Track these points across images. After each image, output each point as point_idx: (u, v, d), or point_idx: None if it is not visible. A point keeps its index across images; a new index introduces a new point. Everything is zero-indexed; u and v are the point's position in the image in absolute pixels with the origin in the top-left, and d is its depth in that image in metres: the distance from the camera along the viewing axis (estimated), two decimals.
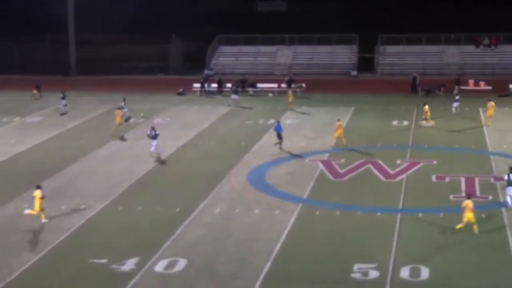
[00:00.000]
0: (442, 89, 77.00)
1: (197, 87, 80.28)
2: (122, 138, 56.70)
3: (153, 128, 52.16)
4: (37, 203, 38.21)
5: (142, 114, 66.05)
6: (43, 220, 38.22)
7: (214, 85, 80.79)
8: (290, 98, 69.76)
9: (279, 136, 53.04)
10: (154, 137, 51.51)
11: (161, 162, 50.24)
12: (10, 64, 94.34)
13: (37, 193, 38.45)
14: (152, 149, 51.44)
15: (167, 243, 35.48)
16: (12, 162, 50.89)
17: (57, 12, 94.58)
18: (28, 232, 37.22)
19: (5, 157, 52.19)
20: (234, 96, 71.96)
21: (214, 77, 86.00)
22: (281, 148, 52.64)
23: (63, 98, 69.25)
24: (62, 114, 68.26)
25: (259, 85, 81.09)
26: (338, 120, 55.56)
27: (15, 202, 41.95)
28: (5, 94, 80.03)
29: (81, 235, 37.04)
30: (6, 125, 63.89)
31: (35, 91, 76.91)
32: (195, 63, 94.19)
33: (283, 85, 78.72)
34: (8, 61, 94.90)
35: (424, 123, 60.02)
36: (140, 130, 60.77)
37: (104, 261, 33.28)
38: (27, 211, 38.64)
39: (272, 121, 62.87)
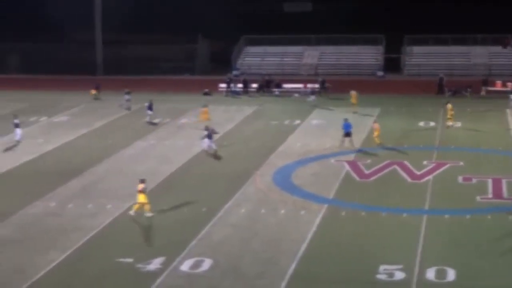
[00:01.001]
0: (468, 90, 76.55)
1: (223, 87, 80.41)
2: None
3: (207, 128, 52.81)
4: (142, 197, 39.08)
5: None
6: (148, 214, 39.08)
7: (240, 85, 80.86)
8: (354, 100, 68.30)
9: (348, 134, 53.39)
10: (209, 136, 52.04)
11: (214, 165, 50.16)
12: (36, 63, 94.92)
13: (141, 187, 39.25)
14: (205, 145, 52.44)
15: (193, 242, 35.56)
16: (40, 161, 51.20)
17: (84, 12, 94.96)
18: (55, 231, 37.44)
19: (33, 156, 52.52)
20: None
21: (239, 77, 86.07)
22: (351, 142, 53.75)
23: (127, 93, 70.63)
24: (127, 109, 69.45)
25: (285, 85, 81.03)
26: (375, 122, 55.55)
27: (42, 201, 42.22)
28: (32, 93, 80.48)
29: (107, 234, 37.22)
30: (33, 124, 64.28)
31: (94, 91, 77.14)
32: (221, 63, 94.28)
33: (316, 85, 78.58)
34: (35, 61, 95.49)
35: (450, 123, 59.65)
36: (165, 130, 61.00)
37: (129, 260, 33.41)
38: (133, 210, 39.53)
39: (298, 121, 62.97)
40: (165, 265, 32.88)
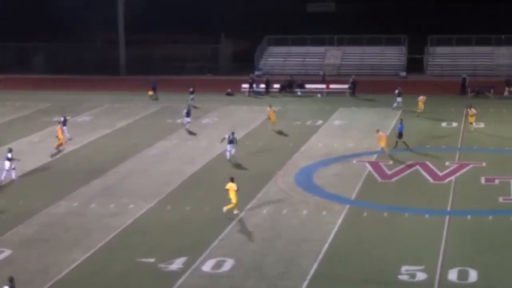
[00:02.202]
0: (492, 90, 76.22)
1: (245, 88, 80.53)
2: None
3: (232, 133, 50.96)
4: (232, 195, 39.13)
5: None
6: (235, 212, 39.33)
7: (262, 85, 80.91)
8: (422, 104, 66.68)
9: (400, 135, 53.16)
10: (232, 141, 50.41)
11: (236, 165, 49.87)
12: (60, 64, 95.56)
13: (231, 186, 39.25)
14: (228, 154, 50.58)
15: (215, 242, 35.67)
16: (63, 161, 51.52)
17: (108, 12, 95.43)
18: (78, 230, 37.68)
19: (56, 155, 52.86)
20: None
21: (262, 77, 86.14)
22: (406, 144, 53.30)
23: (191, 92, 71.71)
24: (194, 107, 69.42)
25: (308, 85, 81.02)
26: (378, 131, 53.79)
27: (66, 201, 42.51)
28: (56, 93, 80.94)
29: (130, 234, 37.40)
30: (57, 124, 64.53)
31: (151, 92, 77.33)
32: (244, 64, 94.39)
33: (346, 86, 78.65)
34: (59, 61, 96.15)
35: (472, 127, 59.05)
36: (187, 130, 61.14)
37: (152, 260, 33.57)
38: (225, 208, 39.43)
39: (320, 121, 62.98)
40: (187, 265, 33.02)
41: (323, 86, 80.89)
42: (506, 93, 76.32)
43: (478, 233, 36.73)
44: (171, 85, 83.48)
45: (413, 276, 31.63)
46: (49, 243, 36.07)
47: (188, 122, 60.22)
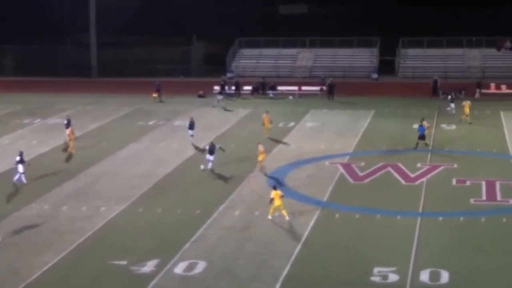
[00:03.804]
0: (463, 92, 76.69)
1: (217, 90, 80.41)
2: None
3: (212, 143, 49.52)
4: (278, 203, 38.40)
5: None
6: (287, 218, 38.51)
7: (233, 87, 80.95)
8: (467, 109, 63.96)
9: (422, 136, 53.28)
10: (212, 151, 48.78)
11: (208, 172, 49.24)
12: (31, 65, 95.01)
13: (276, 193, 38.48)
14: (209, 164, 48.58)
15: (187, 245, 35.58)
16: (34, 163, 51.08)
17: (79, 15, 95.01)
18: (49, 233, 37.43)
19: (27, 158, 52.29)
20: (219, 97, 72.61)
21: (232, 79, 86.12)
22: (426, 144, 53.80)
23: (220, 93, 73.10)
24: (223, 108, 70.52)
25: (280, 87, 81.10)
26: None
27: (37, 203, 42.25)
28: (26, 95, 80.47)
29: (102, 236, 37.20)
30: (27, 126, 64.31)
31: (155, 95, 76.99)
32: (216, 66, 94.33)
33: (318, 88, 78.92)
34: (30, 63, 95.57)
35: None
36: (159, 132, 61.03)
37: (124, 262, 33.41)
38: (274, 214, 38.88)
39: (292, 123, 62.96)
40: (159, 267, 32.89)
41: (295, 88, 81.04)
42: (477, 95, 76.82)
43: (449, 234, 36.87)
44: (143, 87, 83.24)
45: (385, 277, 31.69)
46: (20, 246, 35.77)
47: (191, 136, 56.71)
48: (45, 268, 33.09)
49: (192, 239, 36.26)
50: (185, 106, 72.88)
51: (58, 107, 72.76)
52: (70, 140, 54.06)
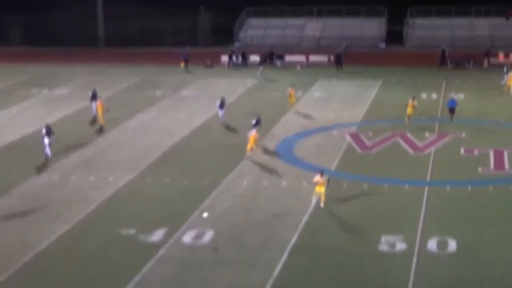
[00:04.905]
0: (471, 62, 76.40)
1: (225, 60, 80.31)
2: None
3: (258, 117, 48.98)
4: (320, 189, 36.27)
5: None
6: (322, 205, 36.29)
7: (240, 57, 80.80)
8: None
9: (452, 110, 52.72)
10: (256, 124, 48.17)
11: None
12: (38, 36, 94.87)
13: (320, 179, 36.31)
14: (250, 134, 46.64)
15: (195, 214, 35.65)
16: (42, 134, 51.16)
17: None
18: (58, 203, 37.55)
19: (35, 128, 52.50)
20: (260, 68, 72.47)
21: (239, 49, 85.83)
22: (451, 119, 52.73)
23: (260, 64, 73.62)
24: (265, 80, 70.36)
25: (287, 57, 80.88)
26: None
27: (46, 173, 42.39)
28: (34, 66, 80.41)
29: (110, 206, 37.33)
30: (35, 97, 64.31)
31: (183, 64, 77.01)
32: (223, 36, 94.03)
33: (326, 58, 78.69)
34: (37, 34, 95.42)
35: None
36: (166, 102, 60.98)
37: (132, 231, 33.54)
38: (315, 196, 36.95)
39: (300, 93, 62.80)
40: (167, 236, 33.01)
41: (303, 57, 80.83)
42: (485, 64, 76.53)
43: (457, 203, 36.90)
44: (150, 58, 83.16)
45: (392, 245, 31.76)
46: (29, 215, 35.92)
47: (222, 115, 54.21)
48: (54, 237, 33.24)
49: (200, 209, 36.31)
50: (192, 76, 72.76)
51: (65, 78, 72.70)
52: (100, 112, 53.56)
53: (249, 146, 45.19)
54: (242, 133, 49.77)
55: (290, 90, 58.16)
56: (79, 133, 51.31)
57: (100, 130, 52.13)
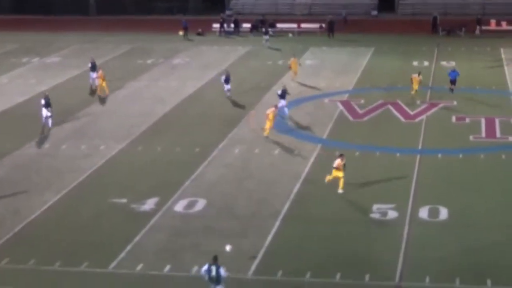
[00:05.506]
0: (463, 29, 76.22)
1: (216, 28, 79.96)
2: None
3: (284, 88, 47.20)
4: (338, 173, 34.21)
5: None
6: (340, 191, 34.35)
7: (232, 25, 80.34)
8: None
9: (453, 81, 51.74)
10: (283, 95, 46.63)
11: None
12: (28, 4, 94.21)
13: (339, 163, 34.18)
14: (286, 110, 46.35)
15: (187, 183, 35.67)
16: (33, 102, 50.85)
17: None
18: (49, 172, 37.53)
19: (26, 97, 52.36)
20: (265, 37, 71.93)
21: (231, 17, 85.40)
22: (451, 89, 51.58)
23: (266, 33, 72.58)
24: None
25: (279, 25, 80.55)
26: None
27: (36, 142, 42.29)
28: (24, 34, 79.87)
29: (101, 175, 37.31)
30: (25, 65, 63.96)
31: (182, 32, 76.57)
32: (214, 3, 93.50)
33: (317, 25, 78.35)
34: (27, 1, 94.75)
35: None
36: (158, 70, 60.76)
37: (124, 200, 33.56)
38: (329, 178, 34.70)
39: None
40: (159, 205, 33.05)
41: (295, 25, 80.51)
42: (477, 31, 76.35)
43: (449, 171, 36.99)
44: (141, 25, 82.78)
45: (384, 214, 31.86)
46: (20, 184, 35.90)
47: (228, 90, 51.59)
48: (45, 207, 33.26)
49: (192, 178, 36.36)
50: (183, 44, 72.47)
51: (56, 46, 72.25)
52: (102, 81, 52.93)
53: (268, 125, 42.68)
54: (234, 102, 49.76)
55: (292, 60, 57.60)
56: (70, 102, 51.09)
57: (102, 101, 51.68)
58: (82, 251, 28.97)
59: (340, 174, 34.23)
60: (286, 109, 46.55)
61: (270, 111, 42.50)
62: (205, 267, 24.50)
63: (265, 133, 42.33)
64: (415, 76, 50.95)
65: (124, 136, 43.17)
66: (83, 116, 47.72)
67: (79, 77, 58.38)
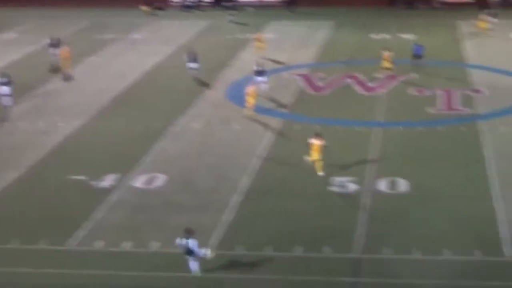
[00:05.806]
0: (421, 1, 76.41)
1: (176, 2, 79.41)
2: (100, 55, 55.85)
3: (258, 64, 46.24)
4: (315, 156, 33.31)
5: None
6: (319, 173, 33.39)
7: None
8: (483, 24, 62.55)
9: (417, 56, 51.75)
10: (261, 73, 45.79)
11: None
12: None
13: (315, 143, 33.24)
14: (263, 86, 45.11)
15: (147, 159, 35.53)
16: None
17: None
18: (7, 150, 37.19)
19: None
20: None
21: None
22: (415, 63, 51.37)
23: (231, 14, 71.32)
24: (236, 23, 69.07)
25: None
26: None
27: None
28: None
29: (60, 152, 37.03)
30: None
31: (144, 7, 75.44)
32: None
33: None
34: None
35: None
36: (117, 46, 60.28)
37: (83, 177, 33.33)
38: (306, 157, 33.89)
39: (252, 35, 62.44)
40: (118, 181, 32.90)
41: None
42: (436, 4, 76.56)
43: (409, 144, 37.19)
44: (100, 0, 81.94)
45: (344, 186, 31.99)
46: None
47: (195, 69, 49.37)
48: (4, 184, 33.04)
49: (152, 153, 36.20)
50: (142, 19, 71.92)
51: (13, 22, 71.25)
52: (66, 59, 51.97)
53: (250, 103, 41.57)
54: (194, 77, 49.46)
55: (257, 35, 57.31)
56: (27, 78, 50.45)
57: (67, 78, 50.98)
58: (40, 229, 28.77)
59: (316, 155, 33.31)
60: (264, 86, 45.42)
61: (250, 89, 41.98)
62: (178, 239, 24.72)
63: (249, 112, 41.44)
64: (385, 52, 50.65)
65: (83, 112, 42.83)
66: (42, 93, 47.24)
67: (36, 54, 57.70)
